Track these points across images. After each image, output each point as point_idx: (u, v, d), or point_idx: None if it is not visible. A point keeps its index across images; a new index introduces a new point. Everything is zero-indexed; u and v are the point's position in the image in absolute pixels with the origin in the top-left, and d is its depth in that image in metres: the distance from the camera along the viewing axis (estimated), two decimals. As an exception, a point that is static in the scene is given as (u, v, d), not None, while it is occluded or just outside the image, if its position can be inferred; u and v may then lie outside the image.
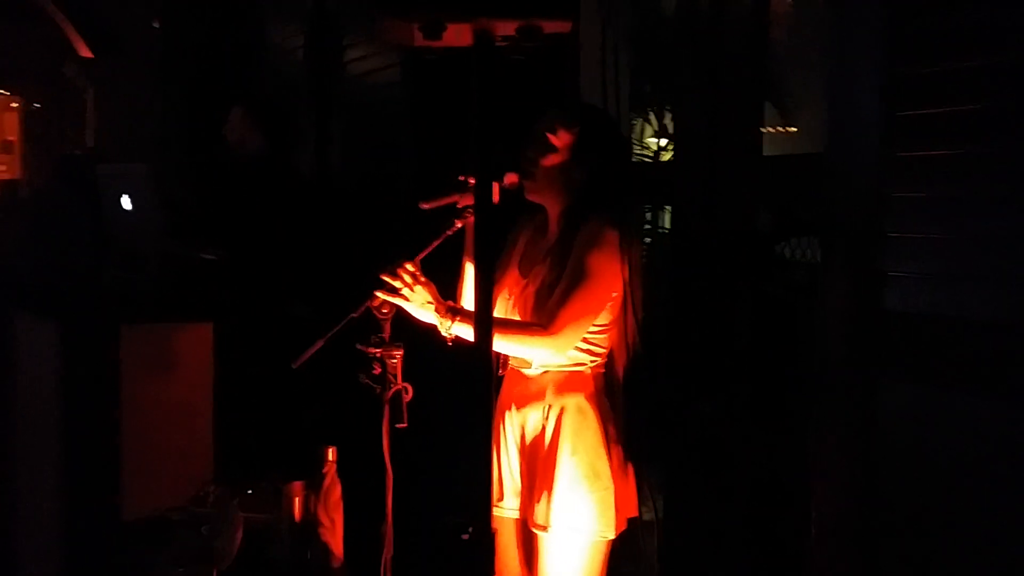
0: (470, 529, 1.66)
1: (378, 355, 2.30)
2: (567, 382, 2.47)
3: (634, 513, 2.51)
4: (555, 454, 2.44)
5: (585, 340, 2.44)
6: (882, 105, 2.17)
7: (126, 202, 3.52)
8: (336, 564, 2.46)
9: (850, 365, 2.27)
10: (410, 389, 2.29)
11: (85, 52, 7.89)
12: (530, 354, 2.45)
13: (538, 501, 2.45)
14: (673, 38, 3.02)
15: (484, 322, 1.75)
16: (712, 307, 2.81)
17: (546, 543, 2.45)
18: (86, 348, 3.04)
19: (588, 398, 2.46)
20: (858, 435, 2.24)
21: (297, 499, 2.46)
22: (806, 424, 2.44)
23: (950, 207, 2.10)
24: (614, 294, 2.42)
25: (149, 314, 3.14)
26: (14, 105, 12.90)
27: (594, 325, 2.43)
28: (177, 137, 5.94)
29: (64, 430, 3.04)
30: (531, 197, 2.53)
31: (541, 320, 2.40)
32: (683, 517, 2.83)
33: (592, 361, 2.47)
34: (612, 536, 2.45)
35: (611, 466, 2.45)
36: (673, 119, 3.00)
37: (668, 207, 3.25)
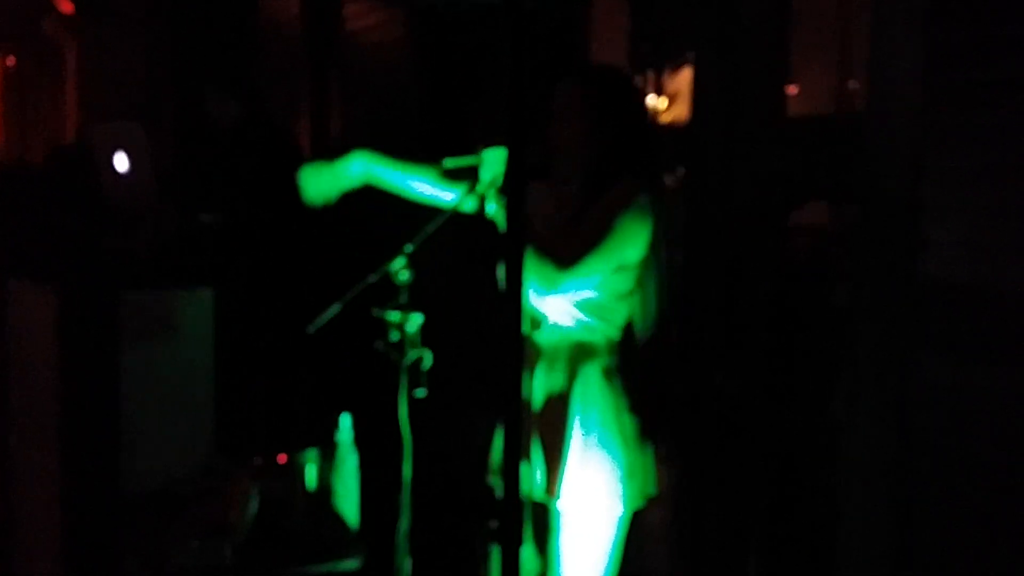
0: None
1: (396, 321, 2.26)
2: (580, 350, 2.41)
3: (652, 490, 2.46)
4: (564, 425, 2.39)
5: (599, 305, 2.38)
6: (923, 70, 2.11)
7: (120, 163, 3.43)
8: (351, 534, 2.42)
9: (885, 336, 2.23)
10: (428, 356, 2.25)
11: (67, 8, 7.72)
12: (537, 269, 2.27)
13: (547, 473, 2.40)
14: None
15: (515, 293, 1.70)
16: (729, 276, 2.76)
17: (555, 516, 2.41)
18: (84, 315, 2.98)
19: (602, 368, 2.40)
20: (893, 409, 2.20)
21: (312, 468, 2.41)
22: (830, 399, 2.40)
23: (990, 174, 2.06)
24: (632, 260, 2.36)
25: (148, 280, 3.08)
26: (-10, 63, 12.68)
27: (611, 292, 2.37)
28: (165, 98, 5.83)
29: (62, 399, 2.99)
30: (555, 167, 2.46)
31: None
32: (700, 493, 2.80)
33: (607, 330, 2.41)
34: (622, 512, 2.40)
35: (624, 440, 2.39)
36: (694, 77, 2.94)
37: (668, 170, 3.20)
